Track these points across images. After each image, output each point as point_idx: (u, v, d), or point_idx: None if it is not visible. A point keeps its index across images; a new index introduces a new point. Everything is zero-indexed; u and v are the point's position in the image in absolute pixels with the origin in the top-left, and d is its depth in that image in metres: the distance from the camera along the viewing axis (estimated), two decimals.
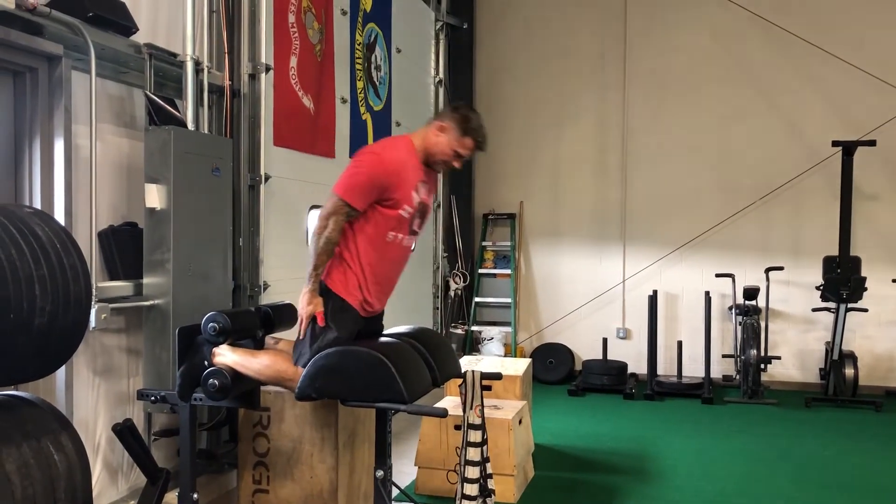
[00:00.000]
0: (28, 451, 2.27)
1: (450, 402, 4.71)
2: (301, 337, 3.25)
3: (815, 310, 7.22)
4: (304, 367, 3.15)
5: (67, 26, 3.23)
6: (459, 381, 3.70)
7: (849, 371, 6.93)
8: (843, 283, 6.67)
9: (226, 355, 3.30)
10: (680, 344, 7.49)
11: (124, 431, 3.25)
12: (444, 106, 3.41)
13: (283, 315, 3.68)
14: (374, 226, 3.23)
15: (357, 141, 5.82)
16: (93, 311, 3.24)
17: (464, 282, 8.32)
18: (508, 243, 8.48)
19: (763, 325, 7.23)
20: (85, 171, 3.41)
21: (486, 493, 3.73)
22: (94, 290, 3.24)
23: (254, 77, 4.46)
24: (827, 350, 7.16)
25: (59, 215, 3.29)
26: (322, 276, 3.23)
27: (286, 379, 3.26)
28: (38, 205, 3.29)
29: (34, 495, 2.23)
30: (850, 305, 6.74)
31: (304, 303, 3.20)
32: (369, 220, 3.22)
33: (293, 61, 4.85)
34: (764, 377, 7.18)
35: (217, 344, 3.31)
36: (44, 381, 3.18)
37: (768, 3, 7.59)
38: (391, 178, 3.18)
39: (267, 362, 3.29)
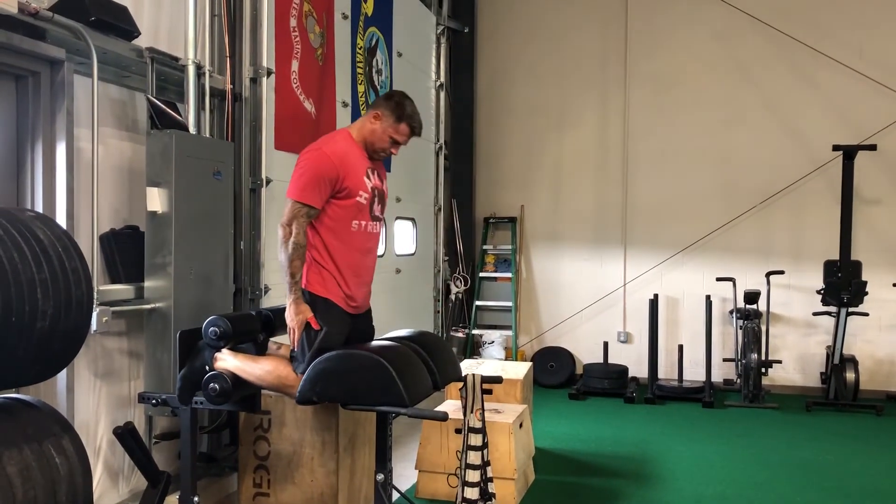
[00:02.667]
0: (29, 454, 2.27)
1: (450, 405, 4.71)
2: (296, 347, 3.27)
3: (815, 314, 7.23)
4: (303, 374, 3.17)
5: (70, 30, 3.24)
6: (460, 384, 3.71)
7: (850, 375, 6.93)
8: (843, 287, 6.67)
9: (227, 360, 3.31)
10: (681, 348, 7.49)
11: (125, 434, 3.25)
12: (377, 98, 3.52)
13: (284, 319, 3.68)
14: (336, 220, 3.30)
15: None
16: (94, 315, 3.25)
17: (465, 285, 8.33)
18: (509, 247, 8.48)
19: (764, 328, 7.23)
20: (87, 174, 3.42)
21: (486, 496, 3.72)
22: (95, 294, 3.25)
23: (255, 81, 4.48)
24: (828, 354, 7.16)
25: (61, 219, 3.30)
26: (301, 283, 3.25)
27: (287, 385, 3.27)
28: (39, 208, 3.30)
29: (35, 498, 2.24)
30: (850, 309, 6.73)
31: (292, 314, 3.23)
32: (329, 215, 3.29)
33: (294, 65, 4.86)
34: (765, 381, 7.17)
35: (218, 348, 3.32)
36: (45, 384, 3.18)
37: (770, 7, 7.61)
38: (338, 168, 3.25)
39: (268, 368, 3.30)
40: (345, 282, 3.33)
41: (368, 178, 3.40)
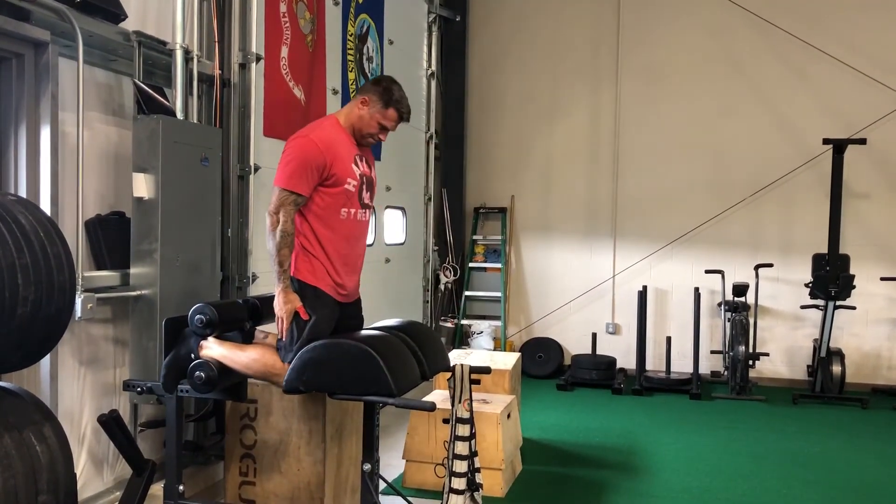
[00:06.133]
0: (10, 442, 2.24)
1: (438, 395, 4.70)
2: (283, 337, 3.24)
3: (803, 307, 7.25)
4: (290, 363, 3.14)
5: (55, 12, 3.18)
6: (448, 374, 3.69)
7: (836, 368, 6.96)
8: (831, 280, 6.70)
9: (213, 348, 3.28)
10: (669, 339, 7.50)
11: (110, 422, 3.22)
12: (365, 84, 3.47)
13: (272, 307, 3.65)
14: (324, 207, 3.27)
15: None
16: (79, 301, 3.21)
17: (454, 275, 8.31)
18: (499, 237, 8.47)
19: (752, 321, 7.25)
20: (72, 159, 3.37)
21: (473, 487, 3.71)
22: (79, 280, 3.21)
23: (244, 67, 4.42)
24: (815, 347, 7.19)
25: (46, 204, 3.25)
26: (290, 271, 3.23)
27: (274, 374, 3.25)
28: (23, 193, 3.25)
29: (16, 487, 2.20)
30: (838, 303, 6.77)
31: (281, 302, 3.21)
32: (318, 203, 3.27)
33: (284, 51, 4.81)
34: (752, 373, 7.20)
35: (204, 336, 3.29)
36: (29, 371, 3.15)
37: (762, 0, 7.59)
38: (325, 155, 3.22)
39: (255, 356, 3.27)
40: (335, 270, 3.31)
41: (357, 165, 3.38)
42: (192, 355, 3.29)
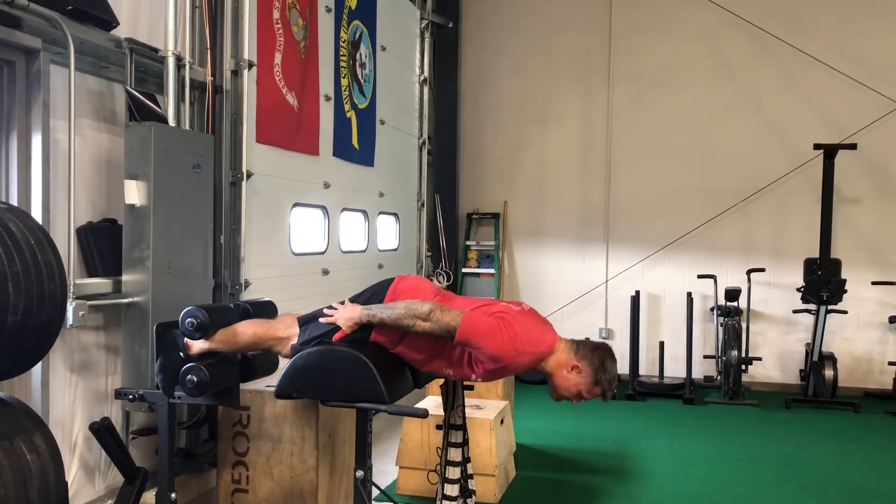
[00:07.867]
0: (0, 451, 2.23)
1: (431, 401, 4.69)
2: (322, 320, 3.18)
3: (795, 311, 7.28)
4: (299, 341, 3.14)
5: (46, 19, 3.19)
6: (441, 380, 3.69)
7: (828, 372, 6.99)
8: (823, 285, 6.72)
9: (200, 341, 3.25)
10: (662, 344, 7.51)
11: (101, 430, 3.20)
12: (585, 343, 3.24)
13: (263, 312, 3.64)
14: (447, 359, 3.15)
15: (341, 139, 5.79)
16: (70, 309, 3.20)
17: (447, 281, 8.31)
18: (492, 243, 8.47)
19: (744, 326, 7.27)
20: (63, 166, 3.37)
21: (466, 493, 3.72)
22: (70, 288, 3.21)
23: (237, 73, 4.43)
24: (807, 351, 7.22)
25: (37, 212, 3.25)
26: (377, 323, 3.13)
27: (265, 339, 3.22)
28: (15, 201, 3.25)
29: (6, 496, 2.19)
30: (830, 307, 6.79)
31: (347, 316, 3.10)
32: (449, 352, 3.12)
33: (277, 58, 4.81)
34: (745, 378, 7.22)
35: (194, 338, 3.27)
36: (19, 380, 3.14)
37: (753, 6, 7.63)
38: (502, 370, 3.10)
39: (241, 328, 3.24)
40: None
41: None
42: (182, 354, 3.26)
